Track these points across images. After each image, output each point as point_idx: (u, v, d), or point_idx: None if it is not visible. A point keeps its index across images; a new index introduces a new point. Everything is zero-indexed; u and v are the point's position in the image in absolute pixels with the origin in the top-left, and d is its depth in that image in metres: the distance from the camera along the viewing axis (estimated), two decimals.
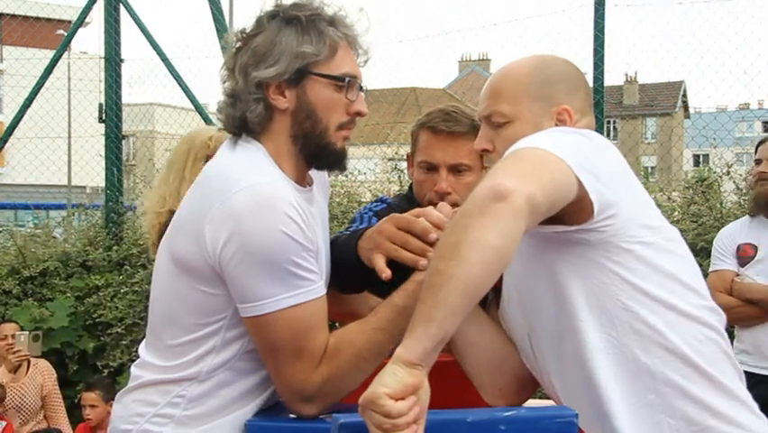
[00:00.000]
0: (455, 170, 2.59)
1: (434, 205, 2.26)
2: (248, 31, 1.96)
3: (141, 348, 2.03)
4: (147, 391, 1.94)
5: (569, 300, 1.79)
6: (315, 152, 1.96)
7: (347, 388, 1.86)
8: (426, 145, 2.63)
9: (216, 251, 1.79)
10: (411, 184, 2.80)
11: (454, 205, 2.30)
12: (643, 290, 1.77)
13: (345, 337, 1.87)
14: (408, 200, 2.76)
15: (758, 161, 3.99)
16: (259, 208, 1.76)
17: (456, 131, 2.58)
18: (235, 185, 1.79)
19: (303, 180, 1.99)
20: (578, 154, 1.70)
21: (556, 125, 1.90)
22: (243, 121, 1.94)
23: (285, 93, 1.92)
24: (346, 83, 1.93)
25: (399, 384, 1.50)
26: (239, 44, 1.96)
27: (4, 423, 5.46)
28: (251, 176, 1.82)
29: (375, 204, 2.84)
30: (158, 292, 1.99)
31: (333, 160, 1.99)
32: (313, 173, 2.05)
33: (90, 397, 5.41)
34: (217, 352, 1.88)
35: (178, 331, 1.91)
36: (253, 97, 1.92)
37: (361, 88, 1.98)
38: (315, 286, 1.84)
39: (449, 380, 2.29)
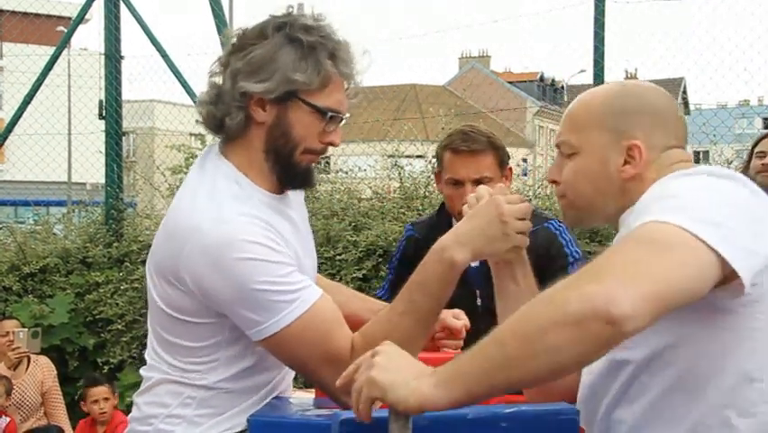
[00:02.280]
0: (478, 182, 2.85)
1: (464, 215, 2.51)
2: (250, 34, 1.97)
3: (149, 350, 2.07)
4: (158, 392, 2.00)
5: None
6: (282, 170, 2.00)
7: None
8: (451, 164, 3.01)
9: (206, 297, 1.87)
10: (441, 205, 3.27)
11: None
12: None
13: (371, 329, 1.89)
14: (430, 227, 3.18)
15: (762, 154, 3.97)
16: (219, 253, 1.82)
17: (475, 148, 2.96)
18: (198, 230, 1.84)
19: (277, 188, 2.03)
20: (725, 225, 1.44)
21: (625, 162, 1.71)
22: (222, 123, 1.98)
23: (266, 107, 1.96)
24: (327, 117, 1.97)
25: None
26: (237, 45, 1.97)
27: (7, 419, 5.47)
28: (208, 219, 1.85)
29: (402, 238, 3.37)
30: (150, 313, 2.04)
31: (299, 179, 2.03)
32: None
33: (101, 391, 5.43)
34: (223, 366, 1.95)
35: (177, 349, 1.97)
36: (236, 104, 1.95)
37: (341, 120, 2.02)
38: (307, 294, 1.86)
39: None
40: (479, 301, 3.04)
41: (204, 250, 1.83)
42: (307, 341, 1.84)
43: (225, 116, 1.96)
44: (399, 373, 1.46)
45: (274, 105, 1.95)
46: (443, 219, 3.19)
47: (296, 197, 2.13)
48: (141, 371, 2.07)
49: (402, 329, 1.84)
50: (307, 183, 2.07)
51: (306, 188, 2.11)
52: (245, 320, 1.86)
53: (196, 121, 2.08)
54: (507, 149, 3.13)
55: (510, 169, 3.13)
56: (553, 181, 1.83)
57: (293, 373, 2.11)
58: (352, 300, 2.41)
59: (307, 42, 1.93)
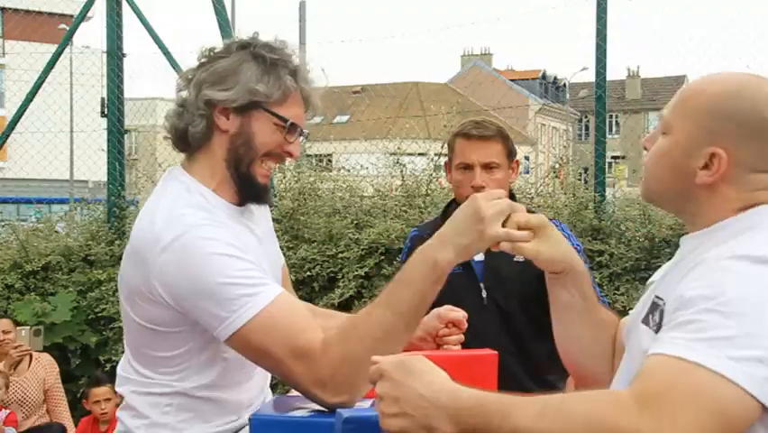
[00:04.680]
0: (487, 167, 3.07)
1: None
2: (215, 52, 2.07)
3: (123, 364, 2.13)
4: (137, 405, 2.06)
5: None
6: (241, 181, 2.07)
7: (366, 371, 1.85)
8: (461, 149, 3.12)
9: (175, 300, 1.91)
10: (446, 206, 3.31)
11: None
12: None
13: (351, 322, 1.90)
14: (435, 227, 2.97)
15: None
16: (180, 252, 1.88)
17: (486, 135, 3.08)
18: (158, 235, 1.91)
19: (239, 201, 2.10)
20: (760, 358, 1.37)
21: (705, 166, 1.59)
22: (185, 134, 2.06)
23: (229, 116, 2.03)
24: (287, 125, 2.05)
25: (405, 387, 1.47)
26: (203, 60, 2.07)
27: (7, 411, 5.48)
28: (170, 224, 1.92)
29: (407, 240, 3.39)
30: (125, 327, 2.10)
31: (255, 192, 2.10)
32: None
33: (104, 391, 5.45)
34: (195, 373, 2.01)
35: (150, 360, 2.03)
36: (199, 113, 2.03)
37: (302, 134, 2.11)
38: (269, 288, 1.89)
39: (452, 375, 2.29)
40: (484, 294, 3.08)
41: (165, 252, 1.89)
42: (274, 334, 1.85)
43: (188, 125, 2.04)
44: (410, 413, 1.46)
45: (237, 114, 2.03)
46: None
47: (260, 211, 2.20)
48: (117, 387, 2.14)
49: (384, 324, 1.84)
50: (262, 198, 2.13)
51: (261, 204, 2.16)
52: (210, 318, 1.88)
53: (164, 137, 2.15)
54: None
55: (517, 162, 3.22)
56: (645, 147, 1.74)
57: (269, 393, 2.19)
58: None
59: (270, 59, 2.04)
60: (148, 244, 1.93)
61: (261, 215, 2.21)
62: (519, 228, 1.80)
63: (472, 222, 1.79)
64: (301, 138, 2.12)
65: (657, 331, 1.53)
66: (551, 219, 3.17)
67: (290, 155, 2.10)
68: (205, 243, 1.88)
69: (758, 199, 1.59)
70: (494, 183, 3.03)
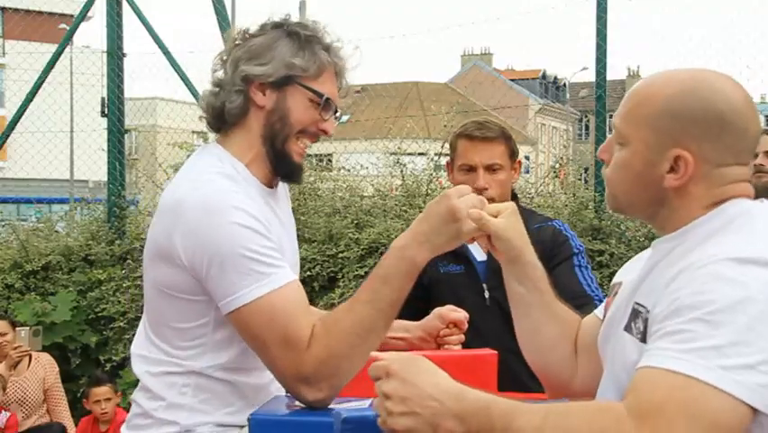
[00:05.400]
0: (490, 168, 3.04)
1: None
2: (251, 31, 2.09)
3: (135, 343, 2.13)
4: (153, 387, 2.04)
5: None
6: (275, 158, 2.08)
7: (347, 367, 1.88)
8: (464, 150, 3.09)
9: (192, 263, 1.91)
10: None
11: (491, 200, 2.69)
12: None
13: (332, 317, 1.91)
14: None
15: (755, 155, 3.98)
16: (210, 216, 1.89)
17: (488, 136, 3.06)
18: (190, 205, 1.91)
19: (270, 181, 2.11)
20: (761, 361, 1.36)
21: (671, 170, 1.57)
22: (221, 111, 2.07)
23: (266, 92, 2.05)
24: (323, 100, 2.07)
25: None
26: (238, 41, 2.09)
27: (8, 414, 5.48)
28: (202, 189, 1.93)
29: None
30: (146, 297, 2.10)
31: (289, 170, 2.11)
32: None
33: (104, 391, 5.46)
34: (211, 351, 2.00)
35: (168, 332, 2.03)
36: (236, 89, 2.05)
37: (335, 113, 2.12)
38: (283, 272, 1.90)
39: (451, 375, 2.29)
40: (486, 294, 3.08)
41: (192, 212, 1.90)
42: (273, 319, 1.86)
43: (225, 102, 2.05)
44: (418, 414, 1.46)
45: (274, 90, 2.05)
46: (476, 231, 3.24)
47: (282, 193, 2.21)
48: (133, 367, 2.11)
49: (364, 318, 1.87)
50: (296, 176, 2.15)
51: (294, 182, 2.19)
52: (220, 287, 1.88)
53: (200, 117, 2.15)
54: None
55: (519, 162, 3.21)
56: (602, 159, 1.71)
57: None
58: None
59: (304, 35, 2.06)
60: (175, 202, 1.94)
61: (285, 201, 2.23)
62: (492, 216, 1.85)
63: (448, 221, 1.84)
64: (336, 116, 2.13)
65: (642, 339, 1.52)
66: (552, 219, 3.21)
67: (325, 132, 2.11)
68: (232, 211, 1.89)
69: (728, 194, 1.57)
70: (497, 184, 3.04)
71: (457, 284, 3.09)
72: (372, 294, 1.88)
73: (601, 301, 3.06)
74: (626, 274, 1.78)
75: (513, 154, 3.13)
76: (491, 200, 2.67)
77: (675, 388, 1.36)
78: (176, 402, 2.01)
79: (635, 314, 1.59)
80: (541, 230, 3.13)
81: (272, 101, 2.05)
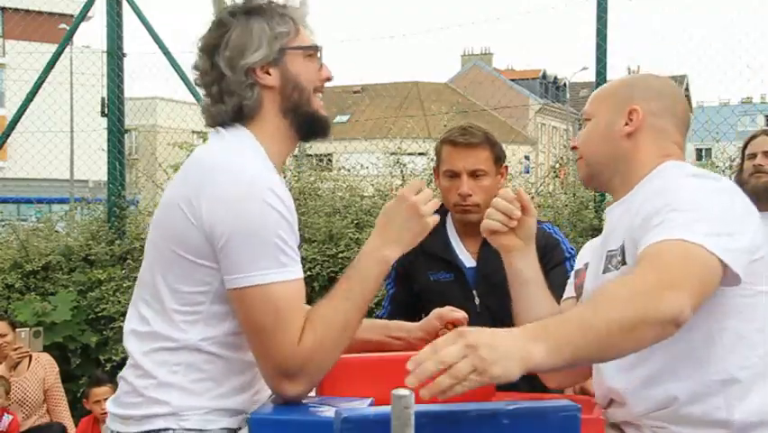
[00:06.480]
0: (474, 175, 3.07)
1: (460, 207, 3.07)
2: (212, 33, 2.12)
3: (128, 318, 2.09)
4: (144, 365, 2.00)
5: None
6: (305, 121, 2.11)
7: (327, 363, 1.95)
8: (448, 156, 3.12)
9: (212, 227, 1.90)
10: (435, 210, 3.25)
11: (476, 206, 3.06)
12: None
13: (318, 313, 1.96)
14: (428, 234, 3.10)
15: (752, 156, 3.97)
16: (247, 188, 1.90)
17: (472, 142, 3.08)
18: (225, 170, 1.93)
19: (281, 169, 2.13)
20: (723, 232, 1.81)
21: (626, 124, 2.07)
22: (238, 110, 2.07)
23: (270, 72, 2.08)
24: (318, 50, 2.14)
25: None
26: (207, 46, 2.10)
27: (10, 417, 5.47)
28: (239, 159, 1.97)
29: None
30: (146, 263, 2.09)
31: (319, 126, 2.15)
32: None
33: (104, 391, 5.44)
34: (205, 323, 1.97)
35: (165, 294, 1.99)
36: (246, 84, 2.06)
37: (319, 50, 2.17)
38: (298, 267, 1.95)
39: None
40: (477, 301, 3.08)
41: (226, 178, 1.91)
42: (278, 309, 1.89)
43: (241, 101, 2.06)
44: (503, 349, 1.54)
45: (275, 67, 2.08)
46: (439, 224, 3.18)
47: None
48: (125, 343, 2.07)
49: (344, 314, 1.96)
50: (326, 130, 2.17)
51: (325, 137, 2.18)
52: (236, 261, 1.89)
53: (206, 124, 2.15)
54: (509, 147, 3.18)
55: (506, 167, 3.22)
56: (574, 148, 2.20)
57: None
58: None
59: (263, 6, 2.11)
60: (212, 165, 1.96)
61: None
62: (509, 201, 2.20)
63: (412, 217, 2.05)
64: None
65: (623, 262, 1.94)
66: (542, 222, 3.22)
67: (328, 79, 2.16)
68: (267, 192, 1.90)
69: (668, 150, 2.07)
70: (481, 190, 3.06)
71: (447, 291, 3.09)
72: (350, 292, 1.98)
73: None
74: (587, 257, 2.33)
75: (498, 159, 3.12)
76: (476, 206, 3.05)
77: (674, 247, 1.76)
78: (167, 381, 1.97)
79: (609, 258, 2.01)
80: None
81: (279, 77, 2.08)
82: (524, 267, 2.24)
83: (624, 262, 1.94)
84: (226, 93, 2.06)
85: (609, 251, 2.01)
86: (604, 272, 2.01)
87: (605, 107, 2.12)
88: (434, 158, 3.25)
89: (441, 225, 3.10)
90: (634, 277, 1.73)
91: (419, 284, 3.15)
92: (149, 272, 2.05)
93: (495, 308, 3.02)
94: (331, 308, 1.97)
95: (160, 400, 1.97)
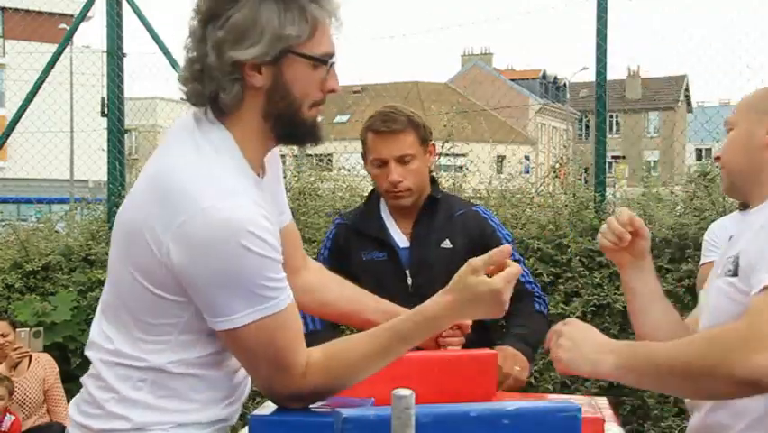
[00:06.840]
0: (401, 161, 3.03)
1: (392, 193, 3.05)
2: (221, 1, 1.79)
3: (95, 328, 1.94)
4: (105, 377, 1.83)
5: None
6: (288, 131, 1.88)
7: (344, 387, 1.87)
8: (374, 145, 3.07)
9: (182, 270, 1.71)
10: (370, 192, 3.35)
11: (407, 190, 3.05)
12: None
13: (342, 355, 1.84)
14: (360, 214, 3.28)
15: None
16: (221, 231, 1.67)
17: (395, 129, 3.03)
18: (196, 205, 1.68)
19: (258, 167, 1.89)
20: None
21: (767, 134, 2.08)
22: (214, 99, 1.81)
23: (261, 70, 1.80)
24: (328, 64, 1.85)
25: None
26: (208, 11, 1.79)
27: (12, 417, 5.47)
28: (211, 183, 1.72)
29: (331, 227, 3.33)
30: (108, 284, 1.93)
31: (306, 135, 1.90)
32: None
33: None
34: (172, 351, 1.80)
35: (129, 321, 1.83)
36: (228, 78, 1.78)
37: (333, 64, 1.88)
38: (285, 295, 1.76)
39: (452, 375, 2.29)
40: (409, 281, 3.07)
41: (206, 223, 1.67)
42: (271, 342, 1.75)
43: (219, 91, 1.79)
44: (580, 349, 1.91)
45: (269, 66, 1.79)
46: (374, 205, 3.25)
47: (272, 177, 2.01)
48: (86, 351, 1.92)
49: (370, 362, 1.84)
50: (316, 137, 1.91)
51: (314, 143, 1.93)
52: (216, 305, 1.72)
53: (180, 98, 1.90)
54: (509, 147, 3.17)
55: (433, 145, 3.18)
56: (717, 158, 2.23)
57: None
58: (363, 298, 2.40)
59: None
60: (181, 202, 1.70)
61: (273, 175, 2.01)
62: (622, 224, 2.25)
63: (493, 303, 1.83)
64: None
65: (734, 274, 1.97)
66: (474, 205, 3.24)
67: (332, 91, 1.88)
68: (252, 238, 1.68)
69: None
70: (411, 175, 3.04)
71: (380, 271, 3.08)
72: (386, 351, 1.84)
73: (540, 297, 3.11)
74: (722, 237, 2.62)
75: (424, 141, 3.08)
76: (408, 191, 3.07)
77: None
78: (129, 397, 1.80)
79: (725, 263, 2.04)
80: (464, 216, 3.15)
81: (270, 79, 1.80)
82: (639, 286, 2.31)
83: (735, 274, 1.97)
84: (207, 76, 1.79)
85: (728, 257, 2.03)
86: (718, 276, 2.06)
87: (746, 117, 2.13)
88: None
89: (377, 212, 3.18)
90: (728, 327, 1.80)
91: (352, 264, 3.11)
92: (112, 295, 1.90)
93: (427, 288, 2.97)
94: (359, 355, 1.83)
95: (119, 416, 1.80)
